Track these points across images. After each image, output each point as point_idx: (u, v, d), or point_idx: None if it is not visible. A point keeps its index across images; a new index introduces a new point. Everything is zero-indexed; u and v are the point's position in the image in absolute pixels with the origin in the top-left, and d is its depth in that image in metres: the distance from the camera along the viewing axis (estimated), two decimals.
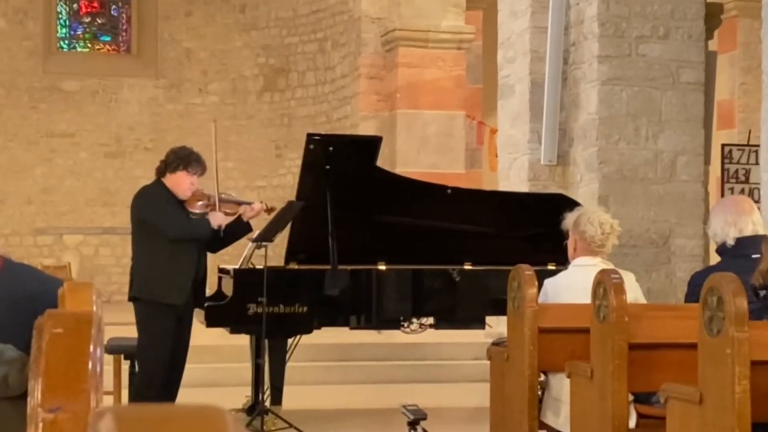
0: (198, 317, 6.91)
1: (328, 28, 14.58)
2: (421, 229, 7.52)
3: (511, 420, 5.22)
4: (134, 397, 6.55)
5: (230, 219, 6.74)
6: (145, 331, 6.44)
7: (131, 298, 6.50)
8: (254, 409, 6.94)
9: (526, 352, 4.98)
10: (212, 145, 6.90)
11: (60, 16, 15.98)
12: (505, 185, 8.62)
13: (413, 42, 13.03)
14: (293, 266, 7.12)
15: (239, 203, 6.88)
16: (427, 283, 7.31)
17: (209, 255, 6.79)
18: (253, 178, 15.37)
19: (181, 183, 6.47)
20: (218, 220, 6.56)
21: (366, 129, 12.98)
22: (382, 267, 7.22)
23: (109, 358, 6.64)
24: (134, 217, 6.57)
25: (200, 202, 6.59)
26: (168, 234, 6.36)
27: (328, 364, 9.20)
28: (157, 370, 6.39)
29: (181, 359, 6.52)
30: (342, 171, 7.12)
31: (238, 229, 6.77)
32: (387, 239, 7.40)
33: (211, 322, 6.87)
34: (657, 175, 7.75)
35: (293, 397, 7.24)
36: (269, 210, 6.93)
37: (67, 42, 16.08)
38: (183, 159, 6.48)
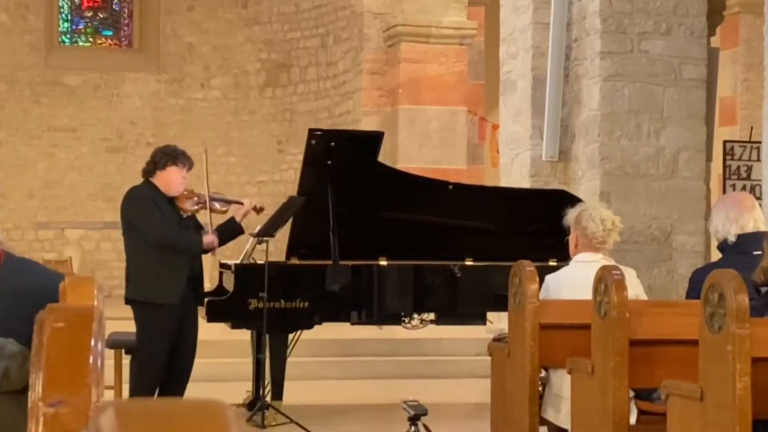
0: (199, 312, 6.91)
1: (330, 23, 14.57)
2: (423, 225, 7.51)
3: (511, 416, 5.23)
4: (129, 395, 6.53)
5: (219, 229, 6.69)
6: (142, 331, 6.37)
7: (127, 301, 6.44)
8: (255, 404, 6.94)
9: (527, 348, 4.98)
10: (204, 173, 6.83)
11: (62, 10, 15.97)
12: (506, 181, 8.61)
13: (415, 37, 13.03)
14: (294, 261, 7.12)
15: (229, 202, 6.87)
16: (428, 278, 7.31)
17: (205, 255, 6.77)
18: (255, 174, 15.38)
19: (172, 178, 6.41)
20: (211, 239, 6.50)
21: (368, 124, 12.97)
22: (383, 262, 7.22)
23: (110, 353, 6.63)
24: (123, 217, 6.51)
25: (191, 200, 6.57)
26: (147, 239, 6.26)
27: (328, 360, 9.20)
28: (151, 370, 6.34)
29: (187, 357, 6.45)
30: (343, 166, 7.12)
31: (229, 230, 6.74)
32: (388, 235, 7.40)
33: (212, 317, 6.87)
34: (659, 172, 7.74)
35: (294, 393, 7.25)
36: (258, 210, 6.91)
37: (69, 36, 16.07)
38: (170, 154, 6.44)
